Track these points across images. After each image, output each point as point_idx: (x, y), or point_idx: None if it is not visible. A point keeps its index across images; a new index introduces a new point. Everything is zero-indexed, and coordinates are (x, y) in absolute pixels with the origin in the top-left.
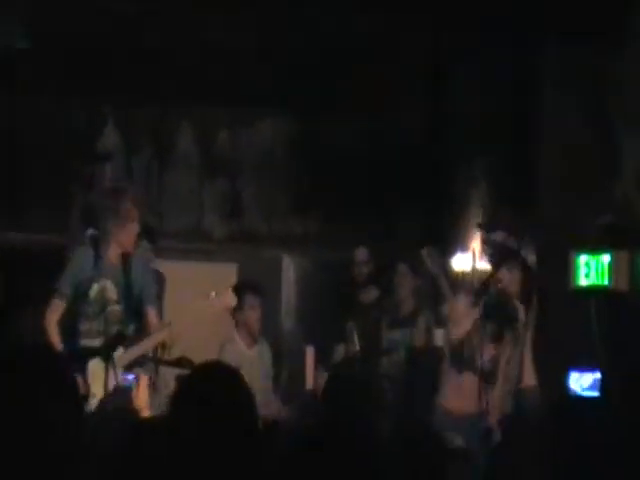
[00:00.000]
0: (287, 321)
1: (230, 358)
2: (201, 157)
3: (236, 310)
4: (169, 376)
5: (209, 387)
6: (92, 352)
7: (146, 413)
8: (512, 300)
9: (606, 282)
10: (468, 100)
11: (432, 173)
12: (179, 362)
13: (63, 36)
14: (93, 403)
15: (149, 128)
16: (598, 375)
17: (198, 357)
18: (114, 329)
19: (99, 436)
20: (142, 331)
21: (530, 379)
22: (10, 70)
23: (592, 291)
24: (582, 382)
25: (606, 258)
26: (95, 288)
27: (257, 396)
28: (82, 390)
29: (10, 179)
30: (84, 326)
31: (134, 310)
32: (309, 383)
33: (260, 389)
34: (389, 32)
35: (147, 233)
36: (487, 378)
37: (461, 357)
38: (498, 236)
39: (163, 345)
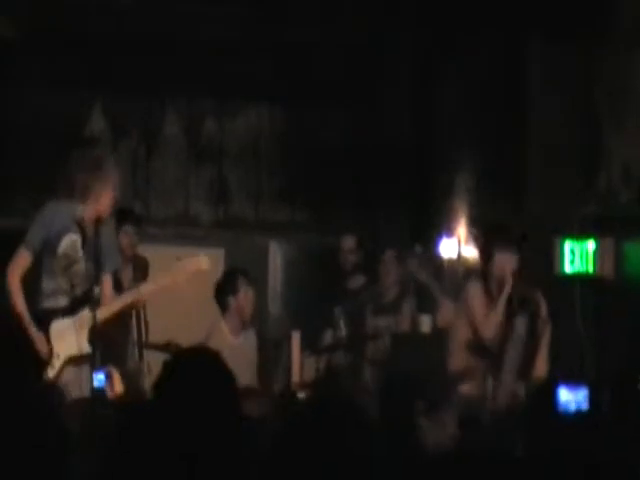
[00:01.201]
0: (273, 307)
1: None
2: (188, 143)
3: (228, 295)
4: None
5: (191, 372)
6: (57, 313)
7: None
8: (535, 295)
9: (591, 269)
10: (454, 96)
11: (418, 162)
12: (166, 347)
13: (51, 23)
14: (56, 363)
15: (136, 114)
16: (586, 391)
17: (185, 342)
18: (79, 289)
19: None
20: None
21: (542, 371)
22: None
23: (577, 278)
24: (571, 397)
25: (591, 245)
26: (65, 241)
27: (241, 385)
28: (44, 350)
29: None
30: (48, 284)
31: (97, 273)
32: (295, 368)
33: (244, 379)
34: (375, 29)
35: (131, 217)
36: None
37: (482, 348)
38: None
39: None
